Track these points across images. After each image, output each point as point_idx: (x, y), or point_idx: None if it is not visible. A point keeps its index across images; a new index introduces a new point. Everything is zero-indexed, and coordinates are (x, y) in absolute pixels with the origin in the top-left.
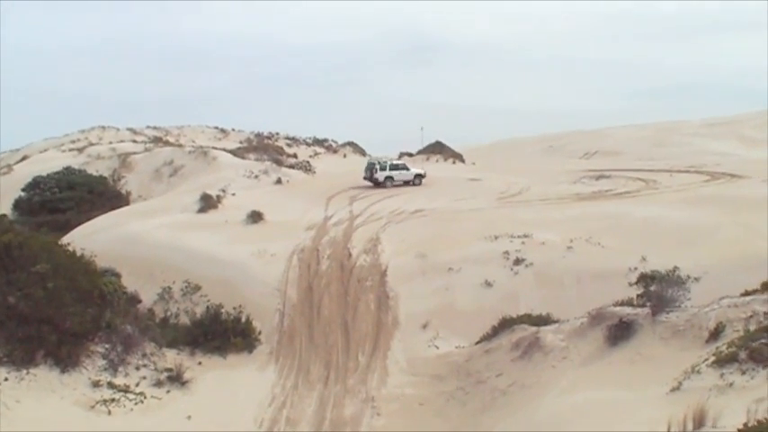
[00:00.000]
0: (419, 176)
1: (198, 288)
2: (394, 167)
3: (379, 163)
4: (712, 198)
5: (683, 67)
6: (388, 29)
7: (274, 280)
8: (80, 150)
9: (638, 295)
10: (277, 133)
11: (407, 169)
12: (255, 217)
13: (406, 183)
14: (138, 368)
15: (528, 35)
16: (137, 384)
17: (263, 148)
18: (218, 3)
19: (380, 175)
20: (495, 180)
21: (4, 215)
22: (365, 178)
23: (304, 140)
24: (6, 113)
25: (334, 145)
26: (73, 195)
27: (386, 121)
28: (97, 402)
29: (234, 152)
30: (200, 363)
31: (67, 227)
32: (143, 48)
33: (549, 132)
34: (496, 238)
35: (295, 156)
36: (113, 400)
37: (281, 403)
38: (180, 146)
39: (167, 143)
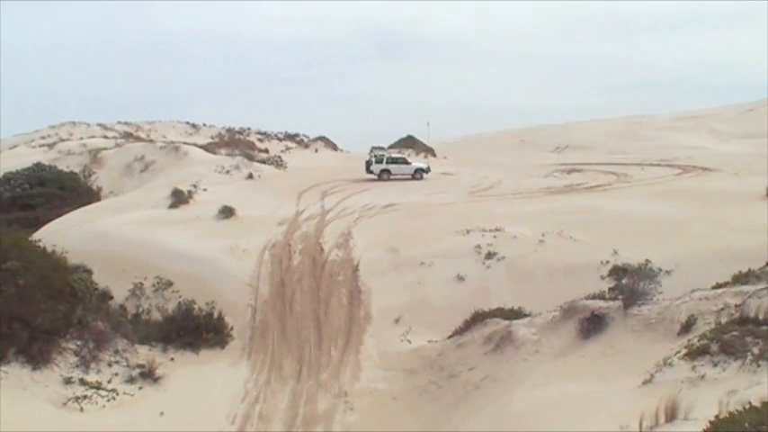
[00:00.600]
0: (420, 171)
1: (170, 284)
2: (392, 161)
3: (375, 156)
4: (684, 191)
5: (652, 63)
6: (360, 24)
7: (246, 275)
8: (50, 146)
9: (610, 288)
10: (248, 128)
11: (407, 163)
12: (227, 212)
13: (413, 177)
14: (110, 365)
15: (499, 31)
16: (109, 381)
17: (235, 143)
18: None
19: (375, 168)
20: (467, 174)
21: None
22: (367, 171)
23: (275, 135)
24: None
25: (305, 140)
26: (44, 191)
27: (359, 115)
28: (69, 399)
29: (205, 147)
30: (172, 359)
31: (38, 223)
32: (114, 43)
33: (521, 127)
34: (468, 232)
35: (266, 151)
36: (85, 396)
37: (253, 399)
38: (151, 141)
39: (138, 139)
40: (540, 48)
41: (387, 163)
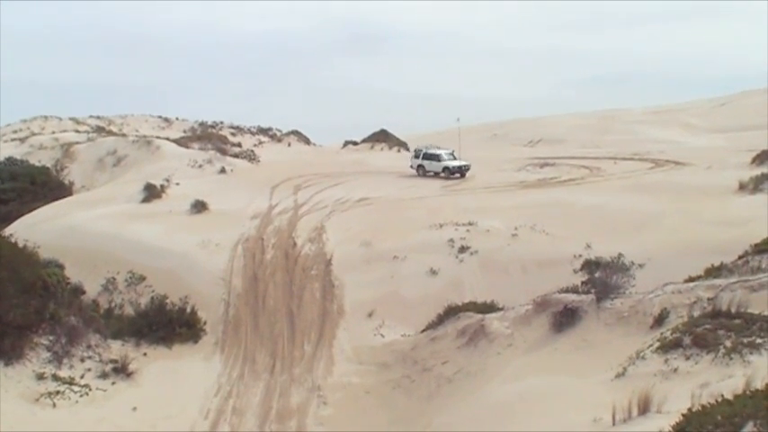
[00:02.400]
0: (447, 170)
1: (142, 278)
2: (427, 156)
3: (415, 150)
4: (656, 185)
5: (624, 57)
6: (333, 17)
7: (219, 270)
8: (22, 140)
9: (582, 282)
10: (221, 122)
11: (439, 160)
12: (200, 206)
13: (456, 174)
14: (82, 360)
15: (472, 23)
16: (81, 376)
17: (207, 137)
18: None
19: (413, 163)
20: None
21: None
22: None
23: (248, 129)
24: None
25: (278, 134)
26: (15, 186)
27: (331, 108)
28: (42, 395)
29: (178, 141)
30: (145, 354)
31: (10, 218)
32: (85, 37)
33: (493, 120)
34: (441, 226)
35: (239, 145)
36: (58, 392)
37: (227, 393)
38: (123, 135)
39: (111, 133)
40: (512, 41)
41: (422, 159)
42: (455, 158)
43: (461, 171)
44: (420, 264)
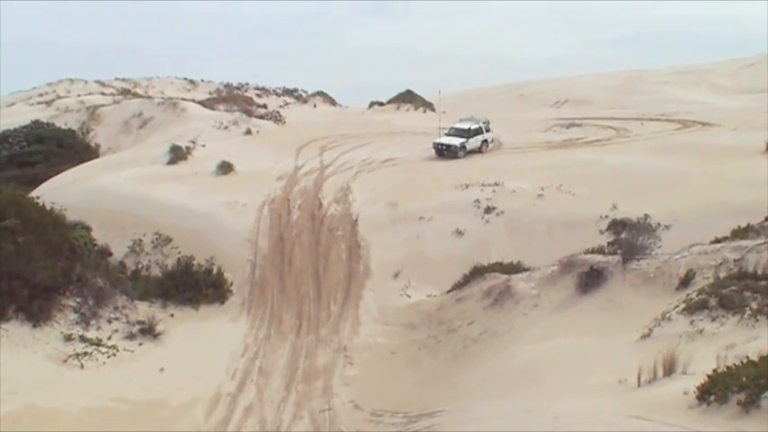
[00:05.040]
0: (446, 147)
1: (169, 240)
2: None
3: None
4: (683, 146)
5: (651, 16)
6: None
7: (245, 231)
8: (48, 103)
9: (608, 243)
10: (246, 84)
11: (451, 135)
12: (226, 168)
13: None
14: (110, 321)
15: None
16: (109, 338)
17: (233, 98)
18: None
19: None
20: None
21: None
22: None
23: (274, 91)
24: None
25: (304, 95)
26: (42, 149)
27: (356, 70)
28: (69, 356)
29: (203, 103)
30: (172, 315)
31: (37, 180)
32: None
33: (519, 80)
34: (467, 186)
35: (265, 106)
36: (86, 353)
37: (253, 354)
38: (149, 97)
39: (136, 95)
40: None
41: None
42: (463, 135)
43: (443, 150)
44: (446, 224)
